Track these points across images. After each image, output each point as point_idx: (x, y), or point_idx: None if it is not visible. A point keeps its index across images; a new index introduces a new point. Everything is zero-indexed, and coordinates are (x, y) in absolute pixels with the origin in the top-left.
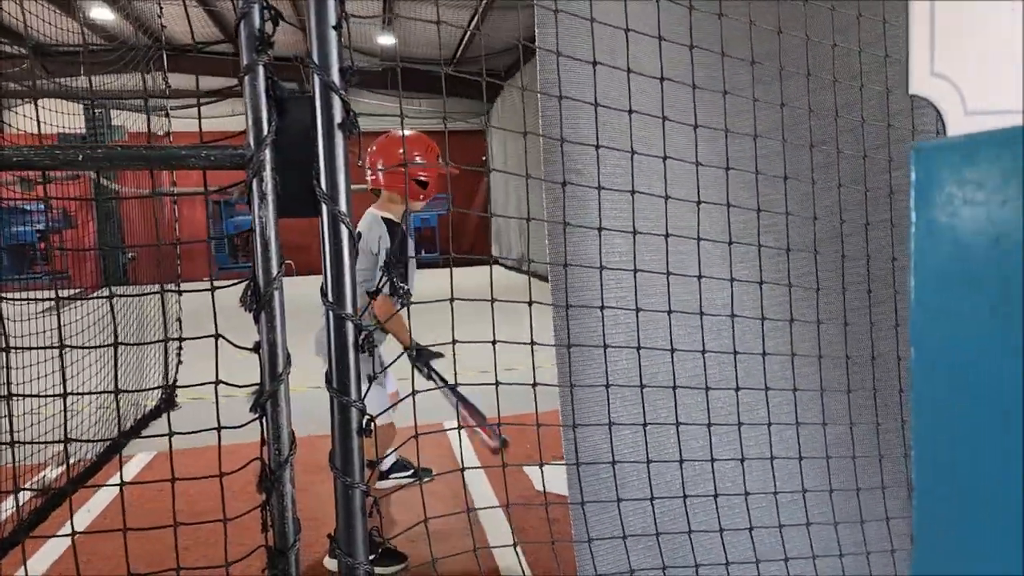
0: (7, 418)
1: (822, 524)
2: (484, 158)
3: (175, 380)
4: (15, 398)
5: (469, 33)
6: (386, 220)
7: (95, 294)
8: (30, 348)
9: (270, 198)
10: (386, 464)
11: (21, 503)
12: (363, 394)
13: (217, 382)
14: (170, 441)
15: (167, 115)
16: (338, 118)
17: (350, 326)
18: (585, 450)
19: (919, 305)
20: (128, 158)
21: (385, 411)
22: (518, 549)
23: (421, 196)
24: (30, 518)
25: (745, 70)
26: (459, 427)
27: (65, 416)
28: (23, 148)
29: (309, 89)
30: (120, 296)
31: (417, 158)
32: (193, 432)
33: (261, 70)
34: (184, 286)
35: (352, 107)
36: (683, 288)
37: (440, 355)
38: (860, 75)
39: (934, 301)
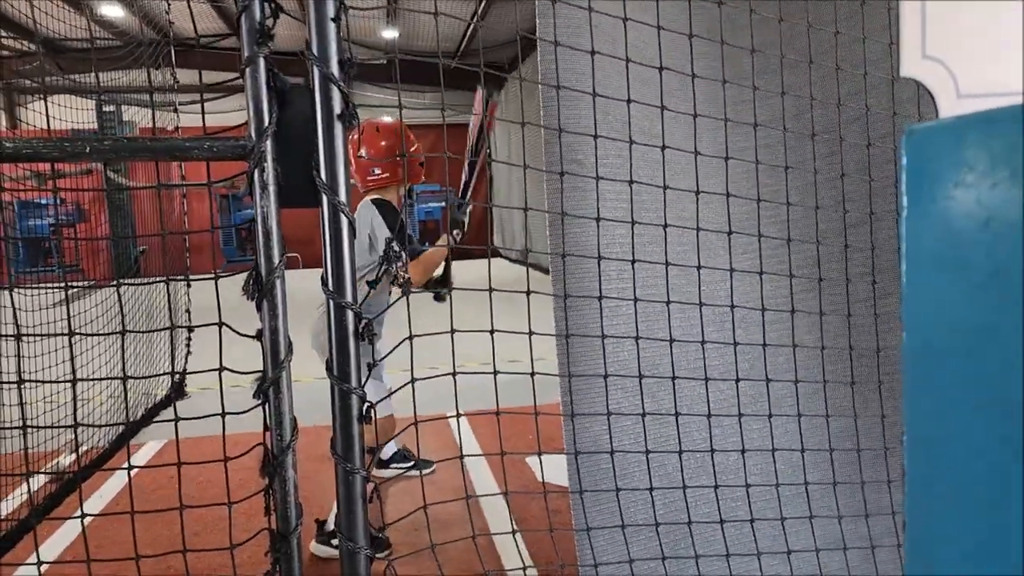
0: (19, 405)
1: (826, 517)
2: (487, 150)
3: (184, 370)
4: (26, 385)
5: (472, 26)
6: (377, 202)
7: (103, 285)
8: (40, 336)
9: (271, 188)
10: (387, 453)
11: (36, 488)
12: (363, 382)
13: (221, 369)
14: (176, 427)
15: (175, 110)
16: (337, 109)
17: (350, 315)
18: (585, 441)
19: (910, 288)
20: (134, 150)
21: (382, 400)
22: (517, 537)
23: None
24: (44, 503)
25: (746, 59)
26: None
27: (75, 402)
28: (32, 140)
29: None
30: (129, 284)
31: (382, 144)
32: (197, 418)
33: (262, 62)
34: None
35: (352, 99)
36: (686, 280)
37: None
38: (864, 63)
39: (925, 284)
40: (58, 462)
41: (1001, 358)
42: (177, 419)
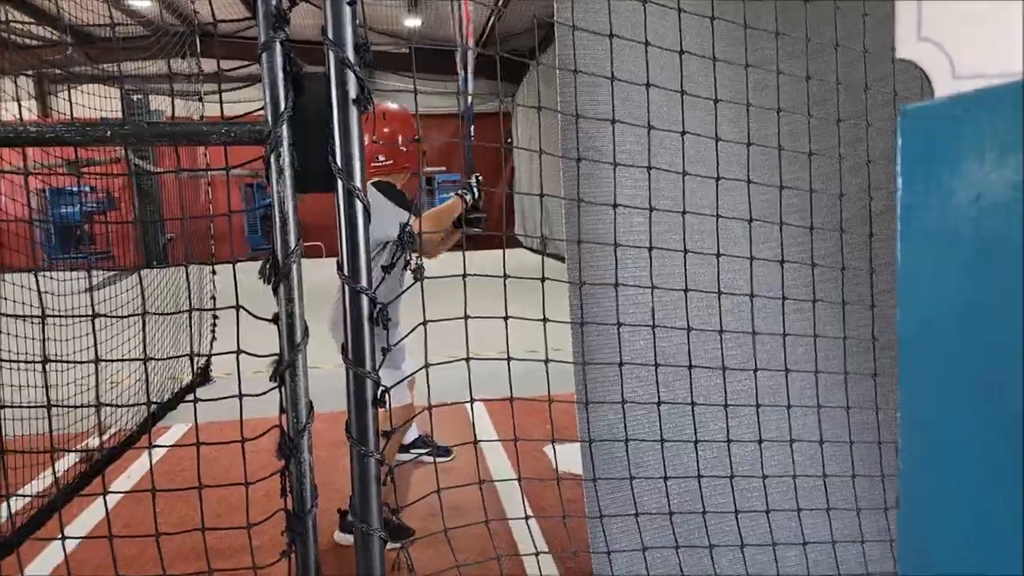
0: (44, 387)
1: (844, 510)
2: (509, 140)
3: (209, 355)
4: (56, 368)
5: (495, 14)
6: (379, 184)
7: (124, 269)
8: (64, 316)
9: (287, 173)
10: (408, 438)
11: (66, 468)
12: (378, 366)
13: (238, 352)
14: (195, 408)
15: (200, 100)
16: (352, 94)
17: (365, 299)
18: (600, 430)
19: (905, 266)
20: (154, 134)
21: (396, 384)
22: (532, 523)
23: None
24: (74, 482)
25: (769, 44)
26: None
27: (97, 383)
28: (56, 126)
29: None
30: (154, 267)
31: (386, 131)
32: (218, 399)
33: (278, 47)
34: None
35: (367, 84)
36: (705, 269)
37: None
38: (892, 47)
39: (920, 262)
40: (87, 444)
41: (994, 335)
42: (196, 400)
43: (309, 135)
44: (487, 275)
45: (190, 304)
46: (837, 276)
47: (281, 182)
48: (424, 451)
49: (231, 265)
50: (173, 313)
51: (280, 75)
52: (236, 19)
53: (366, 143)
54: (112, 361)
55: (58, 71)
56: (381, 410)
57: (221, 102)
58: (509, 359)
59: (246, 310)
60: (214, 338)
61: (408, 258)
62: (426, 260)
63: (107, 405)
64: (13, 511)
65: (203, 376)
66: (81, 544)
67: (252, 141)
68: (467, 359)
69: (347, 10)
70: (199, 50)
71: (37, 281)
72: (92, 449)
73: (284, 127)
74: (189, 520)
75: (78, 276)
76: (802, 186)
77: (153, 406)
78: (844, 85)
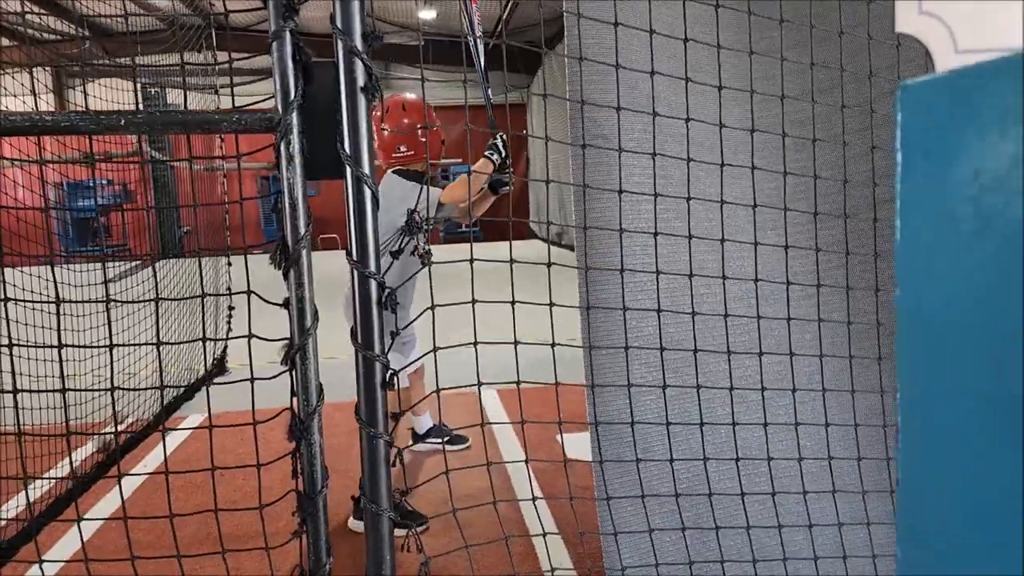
0: (60, 375)
1: (850, 492)
2: (525, 131)
3: (225, 346)
4: (67, 356)
5: (510, 5)
6: (401, 171)
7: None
8: (77, 301)
9: (297, 160)
10: (423, 427)
11: (84, 457)
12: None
13: (250, 336)
14: (207, 393)
15: (216, 92)
16: (360, 82)
17: (373, 284)
18: (608, 414)
19: (904, 243)
20: (166, 123)
21: (404, 368)
22: (541, 509)
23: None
24: (91, 472)
25: (775, 32)
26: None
27: (112, 370)
28: (70, 114)
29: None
30: (168, 258)
31: (406, 122)
32: (230, 382)
33: (288, 36)
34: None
35: (375, 72)
36: (712, 256)
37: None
38: (896, 36)
39: (919, 239)
40: (104, 432)
41: (994, 313)
42: (209, 384)
43: (318, 123)
44: (494, 260)
45: (202, 289)
46: (843, 262)
47: (291, 169)
48: (440, 440)
49: (245, 256)
50: (186, 298)
51: (290, 64)
52: (248, 9)
53: (386, 134)
54: (125, 346)
55: (75, 65)
56: (391, 392)
57: (233, 95)
58: (516, 343)
59: (258, 295)
60: (230, 329)
61: (417, 243)
62: (435, 249)
63: (123, 389)
64: (31, 499)
65: (219, 366)
66: (97, 532)
67: (263, 129)
68: (475, 343)
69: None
70: (214, 43)
71: (52, 270)
72: (107, 432)
73: (294, 115)
74: (207, 506)
75: (92, 268)
76: (808, 173)
77: (169, 392)
78: (849, 73)
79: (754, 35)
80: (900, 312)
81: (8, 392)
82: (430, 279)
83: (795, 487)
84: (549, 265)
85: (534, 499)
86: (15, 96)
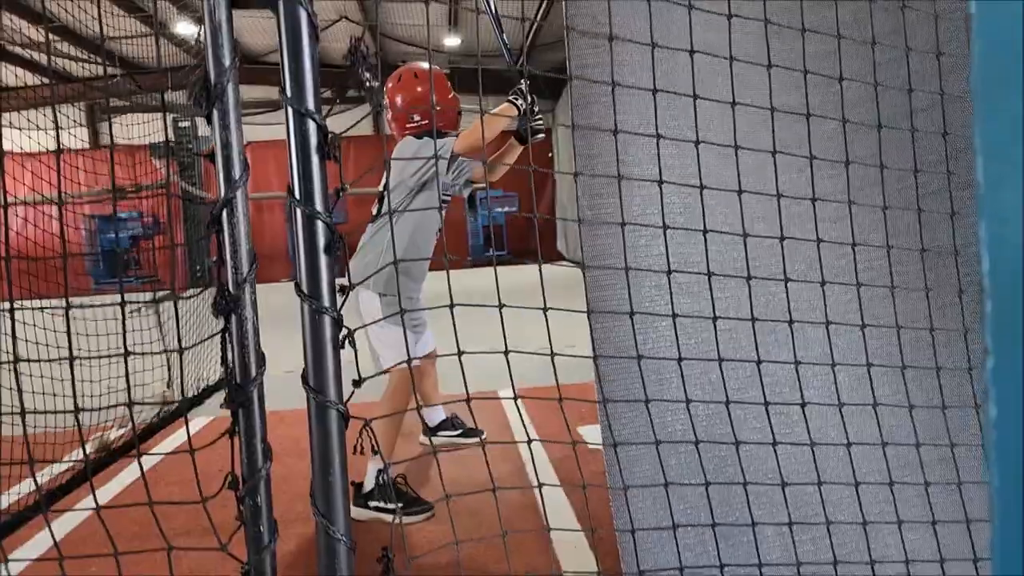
0: (71, 382)
1: (904, 445)
2: (550, 155)
3: (235, 357)
4: (79, 362)
5: (533, 28)
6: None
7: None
8: (91, 306)
9: None
10: (434, 420)
11: (79, 457)
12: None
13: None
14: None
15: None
16: (314, 143)
17: (327, 319)
18: (618, 391)
19: (988, 178)
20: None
21: (402, 363)
22: (549, 492)
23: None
24: (92, 464)
25: (829, 10)
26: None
27: (128, 377)
28: None
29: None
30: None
31: (419, 90)
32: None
33: None
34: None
35: (332, 132)
36: (727, 254)
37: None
38: (934, 3)
39: (1003, 172)
40: (108, 435)
41: None
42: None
43: None
44: (489, 256)
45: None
46: (877, 178)
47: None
48: (453, 434)
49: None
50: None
51: None
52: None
53: (399, 103)
54: (140, 354)
55: (107, 101)
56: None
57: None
58: (507, 352)
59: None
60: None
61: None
62: (459, 274)
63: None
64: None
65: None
66: (86, 522)
67: None
68: (506, 352)
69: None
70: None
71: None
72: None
73: None
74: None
75: (113, 302)
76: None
77: (176, 404)
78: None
79: (804, 13)
80: (987, 256)
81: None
82: (448, 276)
83: (845, 476)
84: (540, 264)
85: (539, 486)
86: (46, 131)
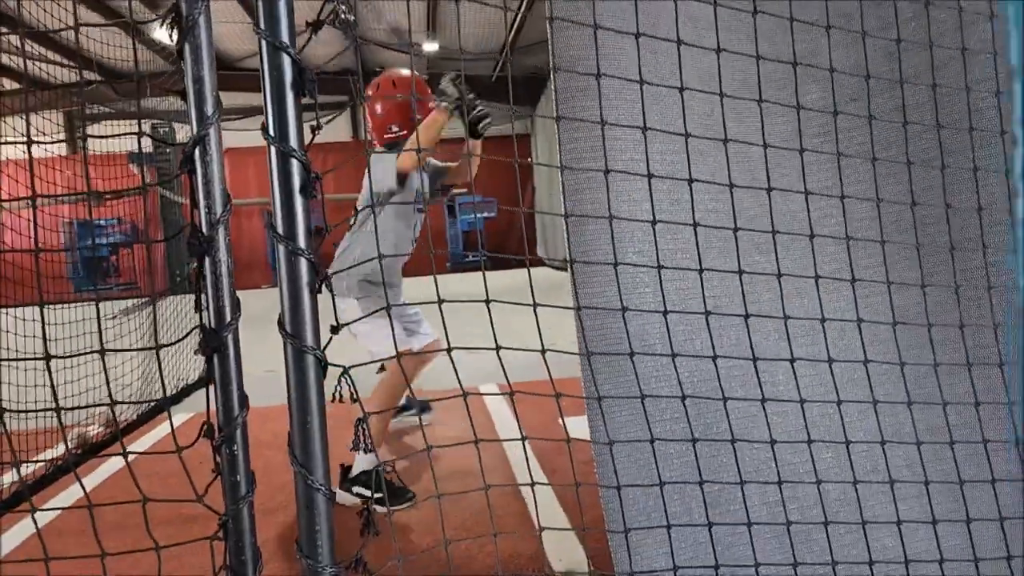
0: (50, 385)
1: (909, 482)
2: (529, 159)
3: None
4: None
5: (512, 31)
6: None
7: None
8: (71, 303)
9: None
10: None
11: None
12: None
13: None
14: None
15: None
16: (298, 183)
17: (311, 359)
18: (609, 387)
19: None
20: None
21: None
22: (534, 489)
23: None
24: (71, 460)
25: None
26: None
27: (106, 376)
28: None
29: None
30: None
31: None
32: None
33: None
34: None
35: (315, 171)
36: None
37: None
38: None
39: None
40: (87, 431)
41: None
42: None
43: None
44: (480, 252)
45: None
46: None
47: None
48: (411, 413)
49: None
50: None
51: None
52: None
53: (379, 112)
54: (119, 351)
55: (86, 108)
56: (382, 376)
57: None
58: (498, 348)
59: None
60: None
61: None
62: (443, 279)
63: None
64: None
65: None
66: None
67: None
68: (496, 348)
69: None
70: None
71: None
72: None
73: None
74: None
75: (83, 304)
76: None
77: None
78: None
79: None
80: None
81: None
82: (435, 275)
83: (844, 475)
84: (528, 265)
85: (532, 484)
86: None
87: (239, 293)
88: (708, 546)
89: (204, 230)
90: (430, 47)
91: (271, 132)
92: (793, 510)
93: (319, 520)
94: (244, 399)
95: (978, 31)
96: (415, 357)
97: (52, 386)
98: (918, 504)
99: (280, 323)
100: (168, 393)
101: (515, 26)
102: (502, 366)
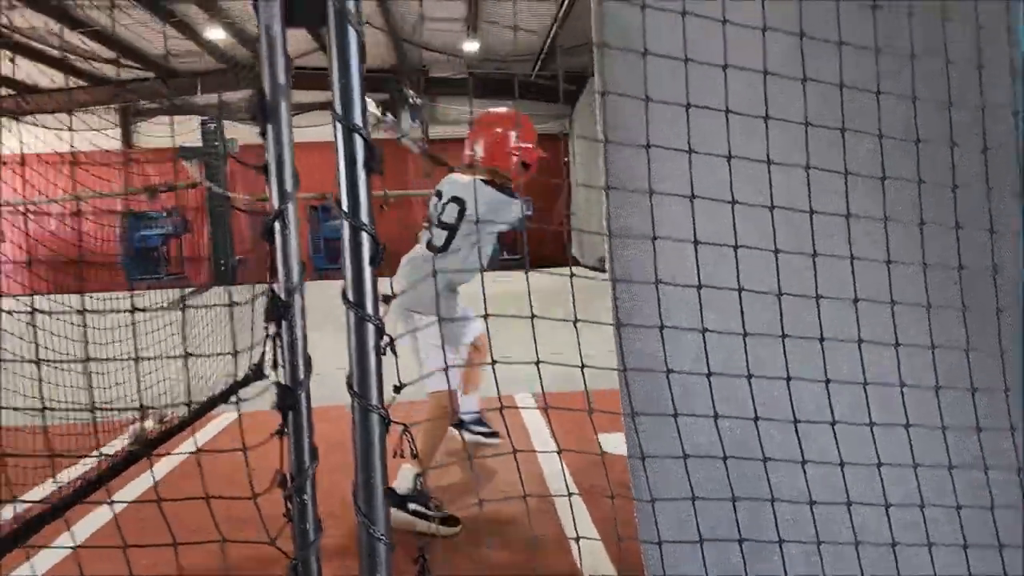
0: (88, 385)
1: (939, 506)
2: (566, 160)
3: (262, 354)
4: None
5: (551, 33)
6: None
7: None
8: (110, 312)
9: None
10: (467, 409)
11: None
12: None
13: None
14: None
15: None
16: (361, 159)
17: (370, 328)
18: (647, 406)
19: None
20: None
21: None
22: (572, 500)
23: (521, 175)
24: (118, 463)
25: (832, 55)
26: None
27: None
28: None
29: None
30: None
31: (513, 135)
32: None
33: None
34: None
35: (377, 148)
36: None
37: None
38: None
39: None
40: (141, 427)
41: None
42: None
43: None
44: (512, 258)
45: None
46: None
47: (267, 8)
48: (483, 431)
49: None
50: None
51: None
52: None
53: (513, 142)
54: (165, 357)
55: (140, 104)
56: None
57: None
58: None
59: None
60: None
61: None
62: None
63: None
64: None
65: (257, 371)
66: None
67: None
68: (537, 363)
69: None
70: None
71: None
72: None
73: None
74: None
75: (135, 295)
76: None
77: (204, 394)
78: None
79: (807, 58)
80: None
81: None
82: (483, 286)
83: (873, 496)
84: (572, 276)
85: (569, 494)
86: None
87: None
88: (737, 558)
89: (282, 296)
90: (470, 47)
91: (345, 208)
92: (824, 528)
93: (379, 568)
94: (314, 452)
95: None
96: (474, 346)
97: (138, 384)
98: (949, 528)
99: (348, 383)
100: (218, 391)
101: (553, 29)
102: (540, 381)
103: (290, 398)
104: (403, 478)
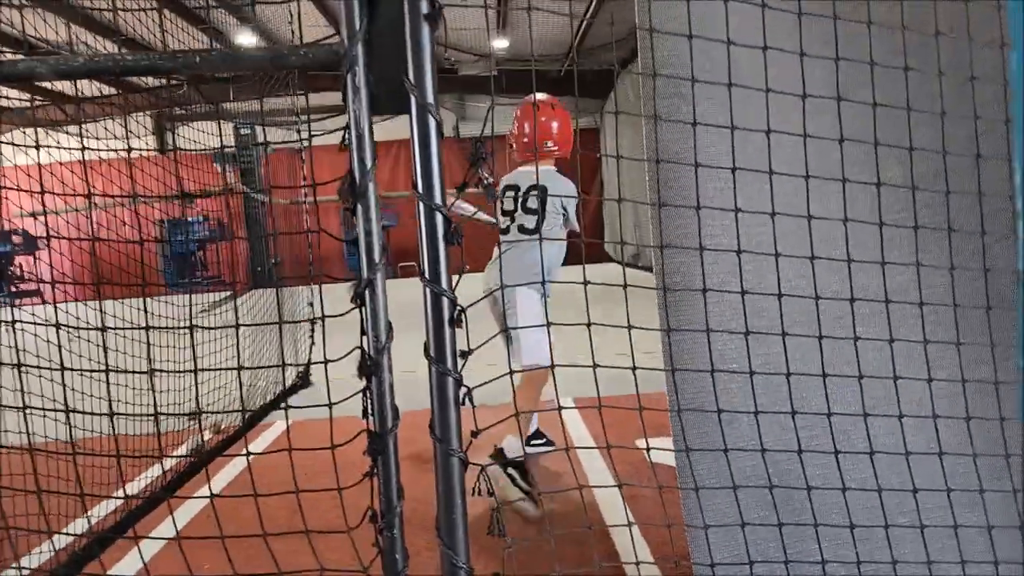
0: (152, 392)
1: (965, 490)
2: (598, 155)
3: (308, 360)
4: (158, 374)
5: (583, 28)
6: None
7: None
8: (164, 328)
9: (363, 92)
10: (529, 429)
11: (172, 464)
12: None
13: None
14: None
15: (299, 131)
16: (425, 9)
17: (445, 301)
18: (688, 396)
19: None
20: (213, 62)
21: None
22: (623, 491)
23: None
24: (180, 475)
25: (863, 38)
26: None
27: (197, 389)
28: (150, 54)
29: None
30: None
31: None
32: (303, 407)
33: None
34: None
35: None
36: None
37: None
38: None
39: None
40: (198, 439)
41: None
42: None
43: (383, 56)
44: (572, 282)
45: (280, 316)
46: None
47: (357, 101)
48: (542, 442)
49: (322, 286)
50: (263, 324)
51: None
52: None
53: (527, 130)
54: (211, 370)
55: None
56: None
57: (310, 131)
58: (595, 366)
59: (329, 278)
60: (312, 343)
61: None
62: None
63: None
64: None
65: (304, 379)
66: (189, 525)
67: (330, 62)
68: (593, 366)
69: None
70: (297, 84)
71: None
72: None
73: (359, 47)
74: (287, 504)
75: (180, 303)
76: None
77: (255, 402)
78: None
79: (840, 42)
80: None
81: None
82: (544, 297)
83: (902, 482)
84: (625, 287)
85: (619, 485)
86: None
87: (332, 285)
88: (777, 544)
89: (372, 354)
90: (500, 44)
91: (427, 275)
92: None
93: None
94: (401, 491)
95: None
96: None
97: (195, 396)
98: (972, 514)
99: (431, 428)
100: (267, 399)
101: (583, 24)
102: (596, 384)
103: (380, 444)
104: (509, 446)
